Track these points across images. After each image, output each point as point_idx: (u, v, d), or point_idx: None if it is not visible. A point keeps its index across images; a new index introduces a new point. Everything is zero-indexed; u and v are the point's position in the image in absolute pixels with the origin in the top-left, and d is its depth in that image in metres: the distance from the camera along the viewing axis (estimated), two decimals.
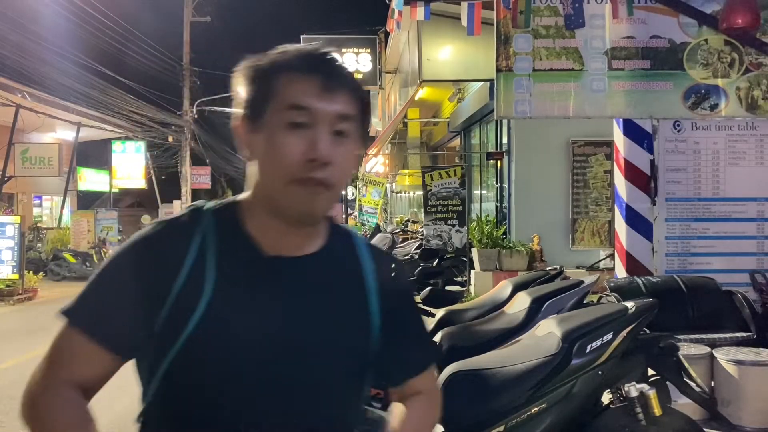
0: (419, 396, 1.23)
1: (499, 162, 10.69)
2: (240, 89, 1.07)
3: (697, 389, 3.05)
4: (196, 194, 27.78)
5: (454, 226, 9.77)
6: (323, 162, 1.01)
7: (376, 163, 20.15)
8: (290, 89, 1.03)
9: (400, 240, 12.83)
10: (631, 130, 5.21)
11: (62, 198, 19.37)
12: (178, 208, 24.60)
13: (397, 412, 1.21)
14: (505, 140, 10.59)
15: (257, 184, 1.07)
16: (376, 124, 21.58)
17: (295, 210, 1.04)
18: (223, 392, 1.01)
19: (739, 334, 4.29)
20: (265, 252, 1.06)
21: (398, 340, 1.15)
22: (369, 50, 17.27)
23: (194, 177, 26.92)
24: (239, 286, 1.03)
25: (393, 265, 1.21)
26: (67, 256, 15.82)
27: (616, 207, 5.52)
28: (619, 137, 5.32)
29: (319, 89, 1.02)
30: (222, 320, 1.00)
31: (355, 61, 16.86)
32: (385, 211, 20.86)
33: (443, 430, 2.63)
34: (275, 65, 1.05)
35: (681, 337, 3.59)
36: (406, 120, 16.61)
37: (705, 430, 3.26)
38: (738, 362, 4.01)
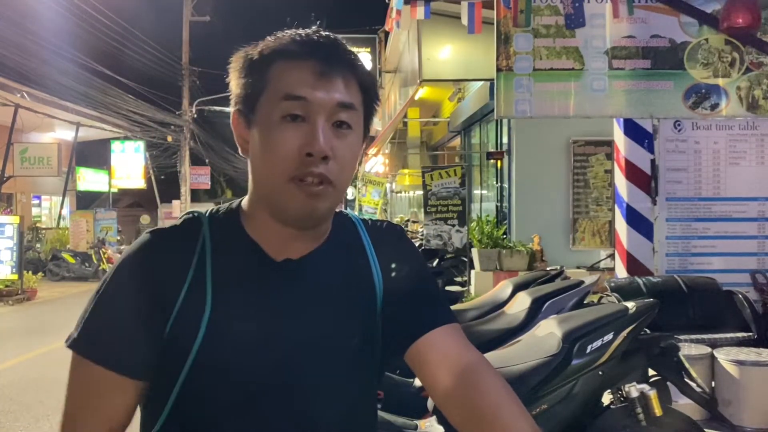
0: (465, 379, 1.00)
1: (499, 162, 10.67)
2: (233, 81, 1.00)
3: (698, 389, 3.04)
4: (195, 194, 27.78)
5: (454, 226, 9.75)
6: (322, 156, 0.93)
7: (376, 163, 20.15)
8: (284, 78, 0.95)
9: None
10: (632, 129, 5.20)
11: (61, 198, 19.36)
12: (177, 207, 24.61)
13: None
14: (505, 140, 10.58)
15: (255, 183, 1.00)
16: (376, 123, 21.57)
17: (295, 210, 0.95)
18: (241, 403, 0.95)
19: (739, 335, 4.29)
20: (273, 257, 1.00)
21: (402, 302, 1.05)
22: (369, 49, 17.25)
23: (193, 177, 26.93)
24: (249, 293, 0.97)
25: (392, 235, 1.14)
26: (66, 256, 15.81)
27: (616, 207, 5.51)
28: (619, 137, 5.31)
29: (316, 76, 0.94)
30: (230, 331, 0.94)
31: None
32: (385, 211, 20.82)
33: (443, 429, 2.62)
34: (268, 53, 0.97)
35: (681, 337, 3.60)
36: (406, 120, 16.60)
37: (705, 430, 3.25)
38: (739, 362, 4.01)
